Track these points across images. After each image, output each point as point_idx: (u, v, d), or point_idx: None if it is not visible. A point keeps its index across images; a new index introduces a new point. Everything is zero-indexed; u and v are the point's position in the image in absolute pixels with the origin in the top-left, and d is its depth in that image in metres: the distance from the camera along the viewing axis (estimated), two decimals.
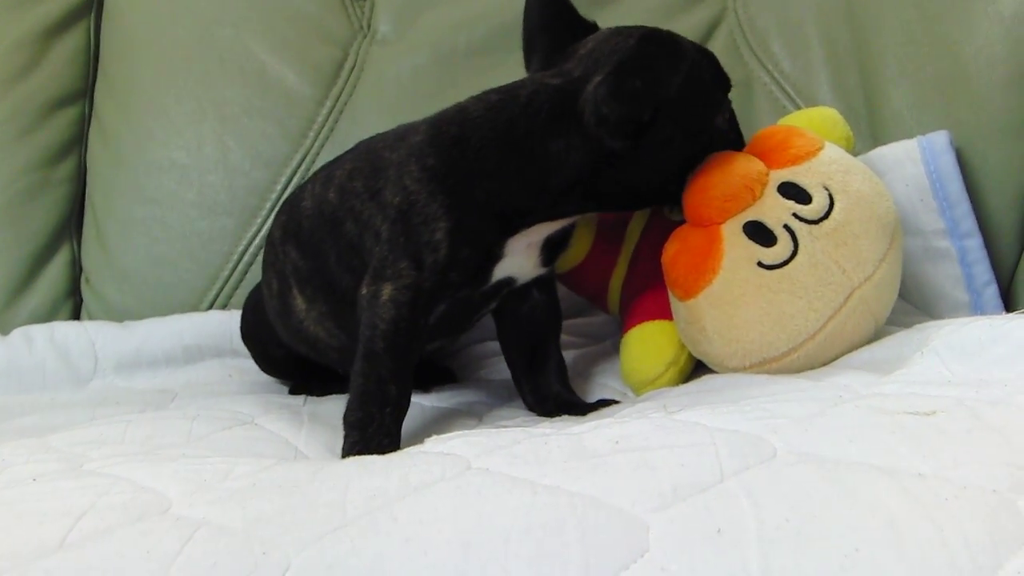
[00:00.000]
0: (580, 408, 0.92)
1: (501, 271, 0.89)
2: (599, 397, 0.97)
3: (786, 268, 0.85)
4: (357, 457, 0.72)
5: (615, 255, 1.09)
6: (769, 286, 0.85)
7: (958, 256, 1.00)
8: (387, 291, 0.83)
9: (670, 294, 0.93)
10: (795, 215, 0.86)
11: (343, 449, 0.82)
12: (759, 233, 0.86)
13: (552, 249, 0.93)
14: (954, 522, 0.47)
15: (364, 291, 0.85)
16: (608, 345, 1.15)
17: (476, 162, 0.84)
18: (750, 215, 0.87)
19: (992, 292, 1.00)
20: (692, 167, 0.89)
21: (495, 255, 0.87)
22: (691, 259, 0.89)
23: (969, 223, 0.99)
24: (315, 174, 1.01)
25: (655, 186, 0.88)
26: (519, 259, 0.89)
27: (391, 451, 0.74)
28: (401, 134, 0.91)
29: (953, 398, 0.63)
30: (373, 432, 0.81)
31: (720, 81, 0.90)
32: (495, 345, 1.20)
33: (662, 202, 0.93)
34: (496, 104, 0.85)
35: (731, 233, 0.87)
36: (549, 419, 0.91)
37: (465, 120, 0.86)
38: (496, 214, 0.85)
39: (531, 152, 0.83)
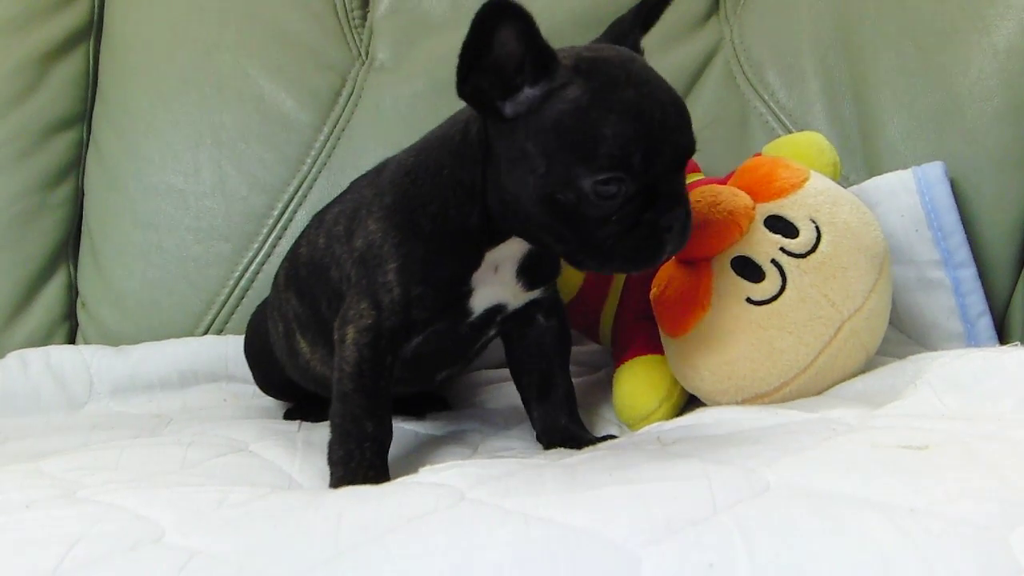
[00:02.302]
0: (581, 442, 0.90)
1: (484, 300, 0.87)
2: (600, 430, 0.97)
3: (775, 303, 0.85)
4: (351, 487, 0.72)
5: (605, 289, 1.09)
6: (759, 322, 0.85)
7: (952, 286, 1.00)
8: (350, 334, 0.83)
9: (660, 331, 0.93)
10: (782, 249, 0.86)
11: (330, 484, 0.82)
12: (747, 269, 0.86)
13: (531, 273, 0.88)
14: (945, 558, 0.47)
15: (336, 335, 0.85)
16: (603, 375, 1.15)
17: (421, 187, 0.83)
18: (738, 250, 0.87)
19: (986, 323, 1.00)
20: (563, 224, 0.74)
21: (463, 291, 0.85)
22: (680, 296, 0.89)
23: (963, 254, 1.00)
24: (313, 218, 1.01)
25: (522, 211, 0.76)
26: (495, 288, 0.87)
27: (379, 482, 0.74)
28: (380, 167, 0.90)
29: (946, 432, 0.64)
30: (356, 466, 0.82)
31: (629, 148, 0.71)
32: (490, 373, 1.20)
33: (544, 246, 0.81)
34: (447, 123, 0.85)
35: (719, 269, 0.87)
36: (545, 450, 0.90)
37: (424, 146, 0.85)
38: (447, 243, 0.82)
39: (458, 159, 0.80)
